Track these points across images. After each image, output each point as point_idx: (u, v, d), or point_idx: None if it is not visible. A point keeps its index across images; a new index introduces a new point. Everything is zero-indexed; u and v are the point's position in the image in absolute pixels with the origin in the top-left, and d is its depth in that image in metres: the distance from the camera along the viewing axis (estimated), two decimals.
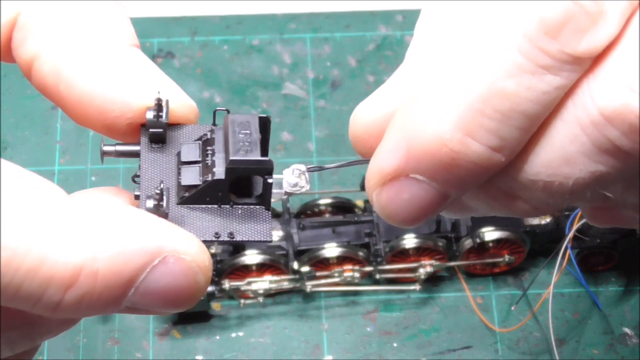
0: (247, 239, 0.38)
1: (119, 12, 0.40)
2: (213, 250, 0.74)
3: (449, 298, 0.78)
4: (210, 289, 0.74)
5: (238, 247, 0.76)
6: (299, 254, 0.76)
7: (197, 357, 0.75)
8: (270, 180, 0.38)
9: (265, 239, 0.39)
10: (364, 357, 0.76)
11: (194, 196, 0.38)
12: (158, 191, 0.36)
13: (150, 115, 0.38)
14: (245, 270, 0.75)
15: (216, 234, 0.38)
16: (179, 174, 0.39)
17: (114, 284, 0.34)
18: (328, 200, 0.79)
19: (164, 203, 0.36)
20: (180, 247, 0.35)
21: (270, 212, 0.39)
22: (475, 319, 0.77)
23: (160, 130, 0.39)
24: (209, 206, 0.38)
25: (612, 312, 0.78)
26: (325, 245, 0.75)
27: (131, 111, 0.38)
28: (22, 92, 0.86)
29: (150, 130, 0.39)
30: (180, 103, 0.40)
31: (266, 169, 0.38)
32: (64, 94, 0.39)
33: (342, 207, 0.79)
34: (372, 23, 0.91)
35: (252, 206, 0.39)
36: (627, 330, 0.77)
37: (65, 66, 0.38)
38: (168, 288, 0.35)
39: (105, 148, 0.39)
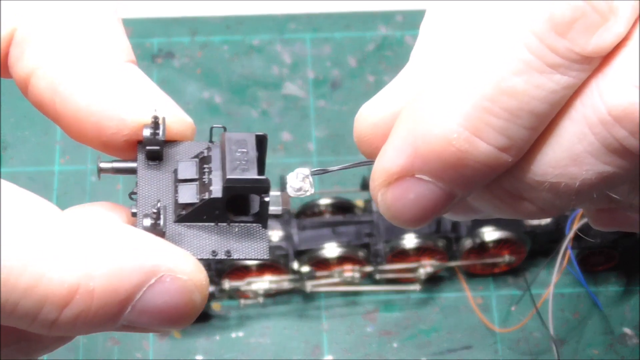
0: (244, 257, 0.38)
1: (116, 27, 0.40)
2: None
3: (449, 298, 0.78)
4: (210, 289, 0.74)
5: None
6: (299, 254, 0.76)
7: (197, 357, 0.76)
8: (267, 199, 0.38)
9: (262, 257, 0.39)
10: (364, 357, 0.76)
11: (191, 214, 0.38)
12: (155, 210, 0.36)
13: (147, 132, 0.38)
14: (245, 270, 0.75)
15: (213, 252, 0.38)
16: (175, 191, 0.39)
17: (110, 302, 0.34)
18: (328, 200, 0.79)
19: (161, 222, 0.36)
20: (176, 266, 0.35)
21: (267, 230, 0.39)
22: (475, 319, 0.77)
23: (157, 147, 0.39)
24: (206, 224, 0.38)
25: (612, 312, 0.78)
26: (325, 245, 0.75)
27: (127, 128, 0.38)
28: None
29: (147, 147, 0.39)
30: (177, 119, 0.40)
31: (263, 188, 0.38)
32: (60, 110, 0.38)
33: (342, 207, 0.79)
34: (372, 23, 0.91)
35: (249, 224, 0.39)
36: (627, 330, 0.77)
37: (62, 82, 0.38)
38: (164, 307, 0.35)
39: (102, 165, 0.39)
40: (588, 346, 0.76)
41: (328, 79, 0.88)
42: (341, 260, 0.76)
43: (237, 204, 0.39)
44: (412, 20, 0.91)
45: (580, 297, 0.78)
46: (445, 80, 0.34)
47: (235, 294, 0.76)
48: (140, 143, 0.39)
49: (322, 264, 0.76)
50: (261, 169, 0.38)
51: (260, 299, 0.76)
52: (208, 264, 0.74)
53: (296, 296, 0.78)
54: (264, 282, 0.75)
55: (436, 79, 0.35)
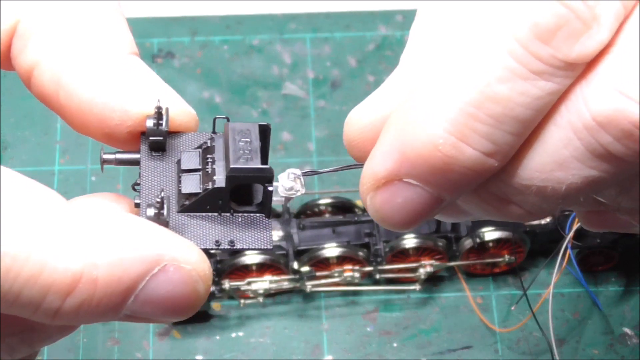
0: (247, 247, 0.39)
1: (119, 20, 0.40)
2: (213, 250, 0.74)
3: (449, 298, 0.78)
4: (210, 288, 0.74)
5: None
6: (299, 254, 0.76)
7: (197, 357, 0.76)
8: (270, 188, 0.38)
9: (265, 247, 0.39)
10: (364, 357, 0.76)
11: (195, 204, 0.38)
12: (158, 199, 0.36)
13: (150, 123, 0.38)
14: (245, 270, 0.75)
15: (217, 241, 0.38)
16: (179, 182, 0.39)
17: (113, 291, 0.34)
18: (328, 200, 0.79)
19: (165, 211, 0.36)
20: (180, 255, 0.35)
21: (270, 220, 0.39)
22: (475, 319, 0.77)
23: (160, 138, 0.39)
24: (210, 214, 0.38)
25: (612, 312, 0.78)
26: (325, 245, 0.75)
27: (131, 119, 0.38)
28: (22, 92, 0.85)
29: (150, 138, 0.39)
30: (180, 111, 0.40)
31: (266, 177, 0.38)
32: (64, 102, 0.39)
33: (342, 207, 0.79)
34: (372, 23, 0.91)
35: (252, 214, 0.39)
36: (627, 330, 0.77)
37: (65, 75, 0.38)
38: (168, 296, 0.35)
39: (105, 156, 0.40)
40: (588, 346, 0.76)
41: (328, 79, 0.88)
42: (341, 260, 0.76)
43: (241, 194, 0.39)
44: (412, 20, 0.91)
45: (580, 297, 0.78)
46: (432, 87, 0.35)
47: (235, 293, 0.76)
48: (144, 134, 0.39)
49: (322, 263, 0.76)
50: (264, 158, 0.39)
51: (260, 299, 0.76)
52: None
53: (296, 296, 0.78)
54: (264, 282, 0.75)
55: (423, 85, 0.35)
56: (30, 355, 0.40)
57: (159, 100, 0.38)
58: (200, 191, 0.38)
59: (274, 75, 0.88)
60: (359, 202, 0.79)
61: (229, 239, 0.38)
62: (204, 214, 0.38)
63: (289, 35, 0.90)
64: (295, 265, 0.75)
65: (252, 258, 0.75)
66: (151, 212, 0.36)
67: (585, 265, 0.78)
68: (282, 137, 0.85)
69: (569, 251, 0.73)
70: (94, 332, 0.76)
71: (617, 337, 0.77)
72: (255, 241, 0.39)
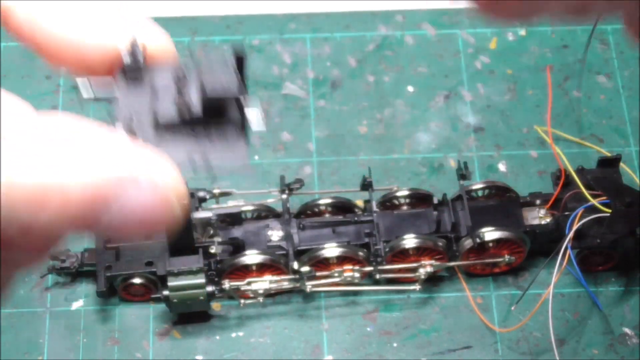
0: (221, 163, 0.40)
1: None
2: (213, 250, 0.74)
3: (449, 298, 0.78)
4: (210, 289, 0.74)
5: (238, 247, 0.76)
6: (299, 254, 0.76)
7: (197, 357, 0.76)
8: (245, 105, 0.39)
9: (241, 162, 0.40)
10: (364, 357, 0.76)
11: (169, 127, 0.39)
12: (133, 118, 0.38)
13: (126, 56, 0.39)
14: (245, 270, 0.75)
15: (191, 158, 0.39)
16: (155, 110, 0.40)
17: (85, 206, 0.34)
18: (328, 200, 0.79)
19: (139, 130, 0.38)
20: (154, 171, 0.35)
21: (245, 137, 0.40)
22: (475, 319, 0.77)
23: (137, 70, 0.40)
24: (184, 131, 0.40)
25: (612, 312, 0.78)
26: (325, 245, 0.75)
27: (108, 53, 0.39)
28: (22, 92, 0.86)
29: (127, 71, 0.40)
30: (157, 44, 0.41)
31: (241, 92, 0.39)
32: (40, 41, 0.39)
33: (342, 207, 0.79)
34: (372, 23, 0.91)
35: (227, 131, 0.40)
36: (627, 330, 0.77)
37: (40, 14, 0.39)
38: (141, 211, 0.35)
39: (79, 80, 0.40)
40: (588, 346, 0.76)
41: (328, 79, 0.88)
42: (341, 260, 0.76)
43: (216, 112, 0.40)
44: (412, 20, 0.91)
45: (580, 297, 0.78)
46: None
47: (235, 293, 0.76)
48: (121, 68, 0.40)
49: (322, 263, 0.76)
50: (242, 82, 0.40)
51: (260, 299, 0.76)
52: (208, 263, 0.74)
53: (296, 296, 0.78)
54: (264, 282, 0.75)
55: None
56: (5, 279, 0.40)
57: (134, 33, 0.39)
58: (176, 116, 0.39)
59: (274, 75, 0.88)
60: (359, 202, 0.79)
61: (204, 156, 0.39)
62: (178, 131, 0.40)
63: (289, 35, 0.90)
64: (295, 265, 0.75)
65: (252, 258, 0.75)
66: (125, 129, 0.37)
67: (585, 265, 0.78)
68: (282, 137, 0.85)
69: (569, 251, 0.73)
70: (94, 332, 0.76)
71: (617, 337, 0.77)
72: (231, 156, 0.40)
